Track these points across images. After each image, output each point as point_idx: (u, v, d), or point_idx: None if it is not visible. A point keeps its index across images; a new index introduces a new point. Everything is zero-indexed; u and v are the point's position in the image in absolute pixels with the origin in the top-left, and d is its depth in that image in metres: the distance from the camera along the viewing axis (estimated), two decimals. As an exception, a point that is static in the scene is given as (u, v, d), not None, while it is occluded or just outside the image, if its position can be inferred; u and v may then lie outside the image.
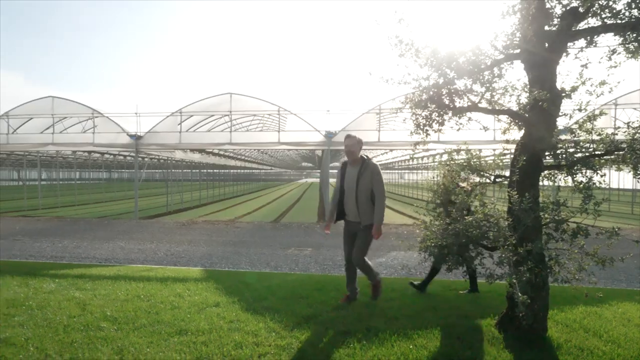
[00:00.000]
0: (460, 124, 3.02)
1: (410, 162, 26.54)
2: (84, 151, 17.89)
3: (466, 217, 2.85)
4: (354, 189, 3.93)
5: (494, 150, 11.51)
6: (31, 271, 5.44)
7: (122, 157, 24.60)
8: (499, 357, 2.73)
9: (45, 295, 4.23)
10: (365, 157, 4.06)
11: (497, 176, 3.27)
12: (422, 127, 2.97)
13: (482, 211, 2.75)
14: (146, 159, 22.49)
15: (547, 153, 2.85)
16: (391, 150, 17.82)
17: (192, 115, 14.29)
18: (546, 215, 2.63)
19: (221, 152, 21.39)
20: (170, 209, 17.11)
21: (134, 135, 13.68)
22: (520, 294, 2.14)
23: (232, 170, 36.44)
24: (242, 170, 41.21)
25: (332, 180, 15.01)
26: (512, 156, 3.02)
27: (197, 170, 27.45)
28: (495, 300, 4.09)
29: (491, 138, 11.15)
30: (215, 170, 31.55)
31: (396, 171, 40.96)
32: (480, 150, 10.05)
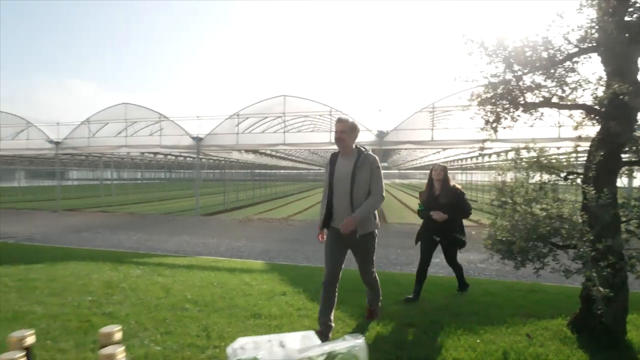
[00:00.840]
0: (534, 120, 2.99)
1: (463, 162, 25.58)
2: (151, 152, 19.41)
3: (536, 214, 2.82)
4: (347, 188, 3.01)
5: (558, 147, 10.84)
6: (118, 259, 6.11)
7: (182, 158, 26.31)
8: (573, 356, 2.69)
9: (133, 279, 4.78)
10: (362, 148, 3.16)
11: (569, 173, 3.18)
12: (491, 124, 2.98)
13: (557, 207, 2.71)
14: (203, 160, 23.87)
15: (626, 148, 2.74)
16: (444, 149, 17.34)
17: (248, 118, 14.98)
18: (626, 212, 2.54)
19: (273, 153, 22.13)
20: (227, 206, 18.04)
21: (195, 137, 14.64)
22: (600, 288, 2.11)
23: (283, 171, 37.46)
24: (292, 171, 42.17)
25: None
26: (583, 152, 2.94)
27: (251, 171, 28.59)
28: (564, 301, 3.95)
29: (555, 135, 10.53)
30: (267, 171, 32.65)
31: (448, 172, 39.58)
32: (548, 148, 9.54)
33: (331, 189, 3.11)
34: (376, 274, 3.35)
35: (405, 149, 15.77)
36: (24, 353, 0.88)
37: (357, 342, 0.84)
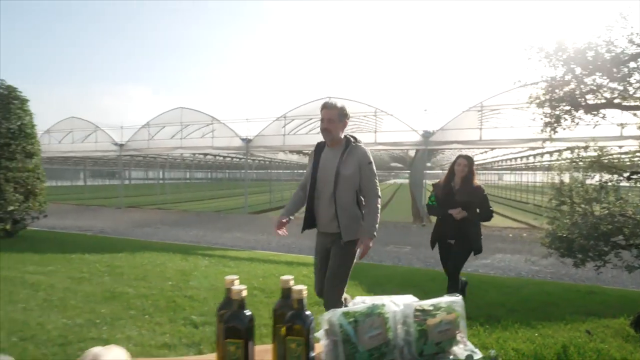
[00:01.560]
0: (596, 122, 3.03)
1: (512, 162, 24.56)
2: (203, 154, 20.55)
3: (596, 213, 2.88)
4: (331, 188, 2.57)
5: (620, 147, 10.24)
6: (185, 251, 6.71)
7: (229, 159, 27.53)
8: (637, 352, 2.72)
9: (203, 268, 5.28)
10: (351, 138, 2.72)
11: (632, 172, 3.18)
12: (550, 125, 3.07)
13: (620, 205, 2.76)
14: (249, 160, 24.86)
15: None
16: (492, 149, 16.85)
17: (293, 119, 15.49)
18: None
19: (316, 153, 22.55)
20: (273, 205, 18.71)
21: (245, 139, 15.38)
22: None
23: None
24: (333, 171, 42.40)
25: (427, 181, 14.85)
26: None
27: (293, 171, 29.30)
28: (626, 303, 3.89)
29: (617, 134, 9.98)
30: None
31: (495, 172, 38.11)
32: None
33: (314, 185, 2.67)
34: (348, 298, 2.68)
35: (452, 148, 15.52)
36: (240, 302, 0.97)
37: (456, 299, 1.08)
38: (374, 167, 2.65)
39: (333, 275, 2.58)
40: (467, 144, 12.79)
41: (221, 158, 27.51)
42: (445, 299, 1.06)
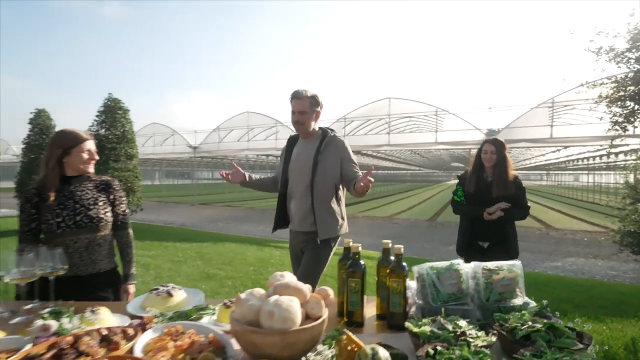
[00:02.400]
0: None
1: (590, 162, 22.60)
2: (266, 155, 21.73)
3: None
4: (307, 180, 2.33)
5: None
6: (259, 242, 7.43)
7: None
8: None
9: (278, 257, 5.89)
10: (328, 129, 2.49)
11: None
12: (619, 124, 3.12)
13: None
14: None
15: None
16: (565, 147, 15.79)
17: (353, 120, 15.89)
18: None
19: (374, 154, 22.73)
20: (332, 204, 19.24)
21: (306, 140, 16.11)
22: None
23: (383, 172, 37.77)
24: (392, 172, 42.20)
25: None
26: None
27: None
28: None
29: None
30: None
31: (569, 172, 35.18)
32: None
33: (285, 181, 2.46)
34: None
35: (519, 147, 14.85)
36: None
37: (516, 263, 1.39)
38: (354, 157, 2.45)
39: (304, 277, 2.08)
40: (537, 142, 12.23)
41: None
42: (506, 263, 1.38)
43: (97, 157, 2.00)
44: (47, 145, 1.95)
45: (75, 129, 2.07)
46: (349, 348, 1.00)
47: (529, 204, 2.89)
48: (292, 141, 2.56)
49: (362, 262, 1.36)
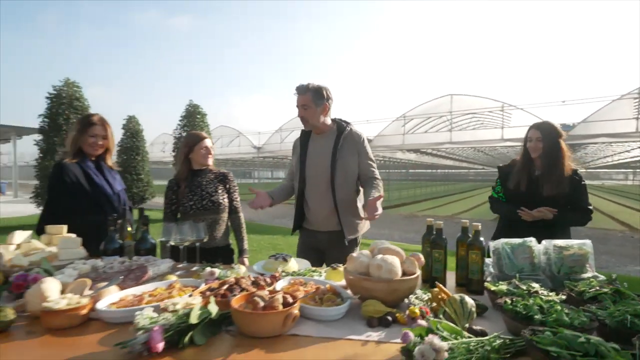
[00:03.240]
0: None
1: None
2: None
3: None
4: (327, 179, 2.23)
5: None
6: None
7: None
8: None
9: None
10: (343, 122, 2.35)
11: None
12: None
13: None
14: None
15: None
16: (654, 142, 14.22)
17: (412, 119, 15.77)
18: None
19: (434, 152, 22.24)
20: (390, 203, 19.22)
21: (365, 139, 16.31)
22: None
23: (443, 170, 36.65)
24: (452, 170, 40.69)
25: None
26: None
27: (409, 170, 29.20)
28: None
29: None
30: (427, 170, 32.68)
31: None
32: None
33: (303, 180, 2.33)
34: None
35: (597, 142, 13.70)
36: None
37: (586, 241, 1.56)
38: (371, 151, 2.37)
39: None
40: (619, 137, 11.25)
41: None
42: (576, 241, 1.56)
43: (213, 152, 2.48)
44: (180, 146, 2.49)
45: (197, 131, 2.58)
46: (439, 296, 1.28)
47: (590, 206, 2.27)
48: (305, 136, 2.39)
49: (444, 237, 1.62)
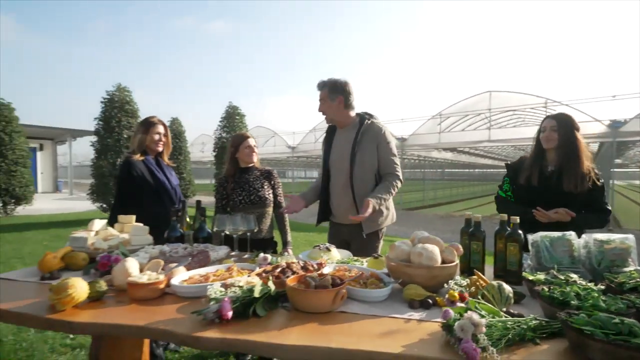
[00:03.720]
0: None
1: None
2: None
3: None
4: (346, 173, 2.29)
5: None
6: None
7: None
8: None
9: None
10: (365, 115, 2.37)
11: None
12: None
13: None
14: (402, 159, 25.55)
15: None
16: None
17: (449, 117, 15.45)
18: None
19: (472, 151, 21.62)
20: (426, 203, 18.93)
21: (400, 138, 16.16)
22: None
23: (482, 170, 35.50)
24: (491, 170, 39.31)
25: (614, 182, 12.48)
26: None
27: (445, 170, 28.52)
28: None
29: None
30: (464, 170, 31.79)
31: None
32: None
33: (327, 174, 2.42)
34: None
35: (653, 140, 12.80)
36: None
37: (629, 236, 1.57)
38: (392, 147, 2.31)
39: None
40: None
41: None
42: (618, 235, 1.58)
43: (256, 151, 2.66)
44: (227, 146, 2.69)
45: (242, 132, 2.78)
46: (478, 283, 1.36)
47: (609, 207, 2.12)
48: (330, 131, 2.47)
49: (482, 229, 1.69)
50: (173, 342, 1.10)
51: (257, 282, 1.30)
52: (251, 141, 2.63)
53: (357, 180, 2.27)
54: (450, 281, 1.37)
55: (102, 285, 1.33)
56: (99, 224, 2.01)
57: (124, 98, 9.86)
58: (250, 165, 2.63)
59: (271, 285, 1.27)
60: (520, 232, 1.60)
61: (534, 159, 2.20)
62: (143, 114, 10.91)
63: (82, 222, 8.84)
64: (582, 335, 0.94)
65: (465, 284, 1.34)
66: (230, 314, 1.13)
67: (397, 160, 2.33)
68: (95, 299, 1.32)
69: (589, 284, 1.30)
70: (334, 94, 2.29)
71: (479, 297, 1.22)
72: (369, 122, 2.32)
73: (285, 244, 2.65)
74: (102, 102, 9.79)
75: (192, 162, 17.59)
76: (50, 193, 21.00)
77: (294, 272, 1.50)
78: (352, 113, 2.38)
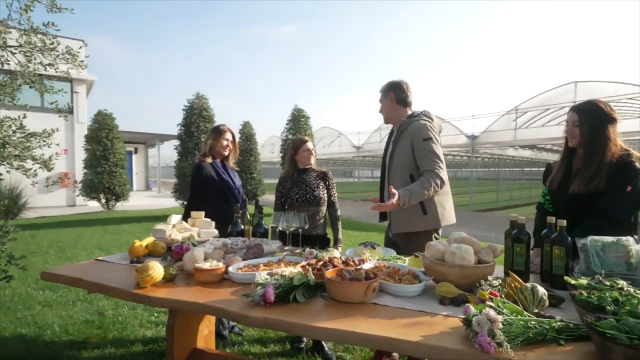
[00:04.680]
0: None
1: None
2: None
3: None
4: (385, 173, 2.39)
5: None
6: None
7: (451, 157, 27.52)
8: None
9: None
10: (420, 113, 2.28)
11: None
12: None
13: None
14: (473, 158, 24.09)
15: None
16: None
17: (526, 112, 14.28)
18: None
19: (554, 148, 19.67)
20: (500, 205, 17.71)
21: (470, 136, 15.35)
22: None
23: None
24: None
25: None
26: None
27: (524, 169, 26.30)
28: None
29: None
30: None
31: None
32: None
33: (382, 173, 2.48)
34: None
35: None
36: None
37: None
38: (434, 144, 2.15)
39: None
40: None
41: (444, 156, 27.80)
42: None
43: (314, 154, 2.84)
44: (287, 149, 2.93)
45: (301, 136, 2.99)
46: (512, 285, 1.37)
47: (633, 204, 1.71)
48: (391, 133, 2.48)
49: (527, 231, 1.66)
50: (225, 318, 1.32)
51: (298, 272, 1.47)
52: (309, 145, 2.83)
53: (392, 179, 2.25)
54: (483, 281, 1.40)
55: (174, 269, 1.61)
56: (175, 218, 2.35)
57: (202, 105, 10.83)
58: (308, 166, 2.83)
59: (310, 276, 1.43)
60: (566, 235, 1.55)
61: (561, 157, 1.96)
62: (218, 119, 11.90)
63: (167, 217, 9.91)
64: (605, 339, 0.94)
65: (497, 284, 1.36)
66: (272, 297, 1.31)
67: (438, 158, 2.16)
68: (169, 280, 1.60)
69: (637, 292, 1.24)
70: (387, 91, 2.35)
71: (502, 296, 1.25)
72: (409, 120, 2.24)
73: (336, 241, 2.80)
74: (183, 109, 10.87)
75: (262, 162, 18.63)
76: (143, 191, 23.74)
77: (334, 266, 1.64)
78: (407, 111, 2.35)
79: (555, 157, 22.60)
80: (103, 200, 12.14)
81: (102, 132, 11.65)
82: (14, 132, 2.23)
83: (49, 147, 2.39)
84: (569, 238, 1.55)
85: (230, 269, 1.63)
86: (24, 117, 2.33)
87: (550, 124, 15.43)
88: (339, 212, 2.89)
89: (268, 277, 1.43)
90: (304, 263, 1.70)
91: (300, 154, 2.81)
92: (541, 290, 1.28)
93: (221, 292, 1.48)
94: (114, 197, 12.14)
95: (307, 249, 1.90)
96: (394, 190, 1.99)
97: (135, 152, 23.92)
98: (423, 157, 2.15)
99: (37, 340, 2.64)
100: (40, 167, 2.37)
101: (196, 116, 10.67)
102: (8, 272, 2.39)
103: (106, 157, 11.71)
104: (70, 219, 10.21)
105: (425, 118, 2.27)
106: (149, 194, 22.31)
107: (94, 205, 13.68)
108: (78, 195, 12.98)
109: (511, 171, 23.86)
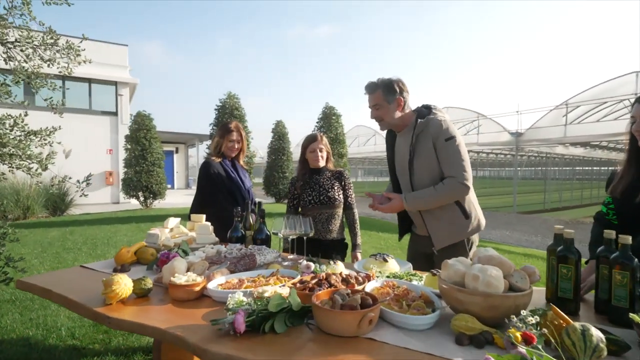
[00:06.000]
0: None
1: None
2: (469, 151, 20.59)
3: None
4: (407, 183, 2.01)
5: None
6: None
7: (493, 156, 26.08)
8: None
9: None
10: (423, 109, 2.00)
11: None
12: None
13: None
14: (518, 156, 22.65)
15: None
16: None
17: (578, 106, 13.11)
18: None
19: (610, 145, 17.98)
20: (547, 206, 16.47)
21: (514, 133, 14.36)
22: None
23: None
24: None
25: None
26: None
27: (575, 168, 24.37)
28: None
29: None
30: (602, 168, 26.75)
31: None
32: None
33: (396, 182, 2.17)
34: None
35: None
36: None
37: None
38: (457, 143, 1.90)
39: None
40: None
41: (484, 155, 26.47)
42: None
43: (323, 154, 2.57)
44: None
45: (310, 134, 2.73)
46: (555, 322, 1.04)
47: None
48: (390, 136, 2.20)
49: (576, 248, 1.31)
50: (185, 349, 1.09)
51: (283, 293, 1.22)
52: (317, 144, 2.55)
53: (418, 188, 1.98)
54: (514, 316, 1.07)
55: (148, 282, 1.41)
56: (173, 221, 2.18)
57: (233, 104, 10.88)
58: (322, 166, 2.57)
59: (294, 299, 1.17)
60: (632, 256, 1.18)
61: (626, 159, 1.61)
62: (251, 118, 11.91)
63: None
64: None
65: (534, 321, 1.03)
66: (243, 327, 1.07)
67: (462, 161, 1.90)
68: (141, 295, 1.40)
69: None
70: (391, 94, 1.99)
71: (556, 342, 0.92)
72: (425, 119, 1.95)
73: (354, 246, 2.53)
74: (215, 108, 10.98)
75: (295, 161, 18.61)
76: (183, 189, 24.55)
77: (331, 285, 1.37)
78: (412, 112, 2.07)
79: (611, 156, 20.64)
80: (141, 198, 12.57)
81: (140, 133, 12.04)
82: (10, 130, 2.18)
83: (50, 145, 2.32)
84: (636, 260, 1.18)
85: (209, 284, 1.41)
86: (26, 114, 2.28)
87: (607, 119, 14.05)
88: (357, 215, 2.61)
89: (243, 298, 1.19)
90: (296, 280, 1.45)
91: (308, 154, 2.55)
92: (596, 334, 0.94)
93: (192, 315, 1.26)
94: (151, 195, 12.53)
95: (304, 262, 1.64)
96: (391, 195, 1.94)
97: (177, 151, 24.77)
98: (446, 158, 1.90)
99: (40, 344, 2.59)
100: (37, 166, 2.30)
101: (228, 115, 10.73)
102: (8, 275, 2.35)
103: (144, 156, 12.10)
104: (109, 216, 10.63)
105: (439, 114, 1.99)
106: (189, 192, 23.01)
107: (134, 203, 14.24)
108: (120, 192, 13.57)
109: (560, 170, 22.14)
